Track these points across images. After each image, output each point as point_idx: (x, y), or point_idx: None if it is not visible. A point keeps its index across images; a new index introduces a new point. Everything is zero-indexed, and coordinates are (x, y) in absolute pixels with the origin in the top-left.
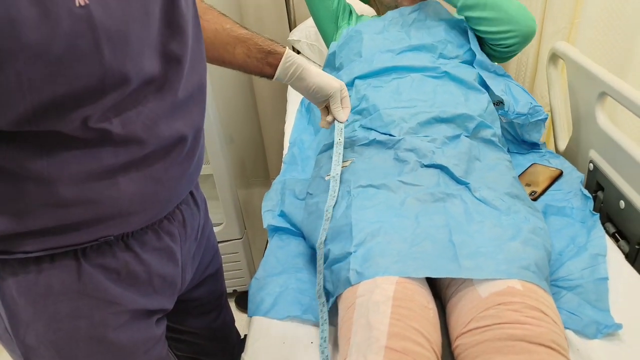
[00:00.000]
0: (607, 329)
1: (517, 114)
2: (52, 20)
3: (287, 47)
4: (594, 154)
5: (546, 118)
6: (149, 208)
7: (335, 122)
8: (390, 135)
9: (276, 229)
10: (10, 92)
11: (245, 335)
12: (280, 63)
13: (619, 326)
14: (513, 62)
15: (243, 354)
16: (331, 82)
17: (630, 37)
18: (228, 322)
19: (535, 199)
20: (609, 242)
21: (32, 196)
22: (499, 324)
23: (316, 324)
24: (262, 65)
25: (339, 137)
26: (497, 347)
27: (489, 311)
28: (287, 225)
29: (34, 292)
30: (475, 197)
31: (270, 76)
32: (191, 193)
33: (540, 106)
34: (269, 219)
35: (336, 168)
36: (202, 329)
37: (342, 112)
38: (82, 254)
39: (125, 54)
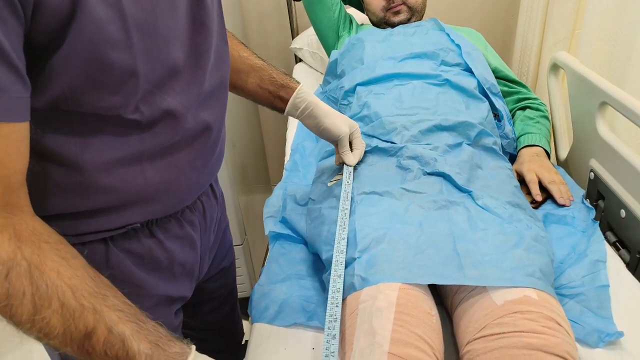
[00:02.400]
0: (609, 337)
1: (505, 134)
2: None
3: (301, 84)
4: (594, 163)
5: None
6: (172, 196)
7: (344, 164)
8: (392, 142)
9: (278, 236)
10: (53, 71)
11: (246, 342)
12: (291, 98)
13: (621, 334)
14: (514, 72)
15: None
16: (340, 127)
17: (629, 46)
18: (237, 319)
19: (536, 208)
20: (610, 251)
21: (63, 180)
22: (516, 332)
23: (317, 330)
24: (273, 98)
25: (347, 179)
26: (513, 354)
27: (505, 319)
28: (289, 232)
29: None
30: (479, 205)
31: (281, 110)
32: (211, 185)
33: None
34: (270, 225)
35: (344, 203)
36: (213, 323)
37: (351, 156)
38: (110, 240)
39: (154, 42)
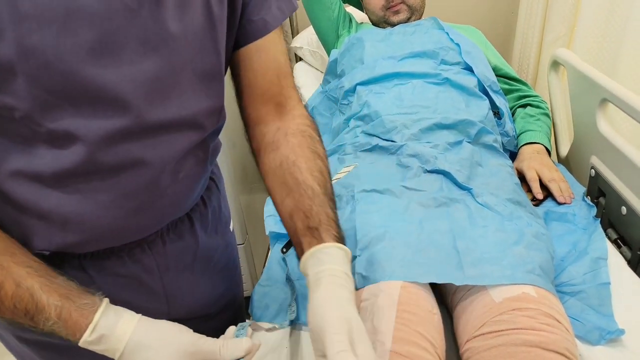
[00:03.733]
0: (610, 335)
1: (505, 131)
2: None
3: (335, 246)
4: (595, 160)
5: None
6: (93, 232)
7: None
8: (392, 141)
9: (278, 236)
10: None
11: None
12: (306, 254)
13: (622, 331)
14: (514, 69)
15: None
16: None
17: (628, 42)
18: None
19: (537, 205)
20: (612, 248)
21: None
22: (514, 329)
23: None
24: (296, 237)
25: None
26: (511, 352)
27: (503, 316)
28: None
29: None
30: (478, 202)
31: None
32: (192, 222)
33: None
34: (271, 224)
35: None
36: (214, 329)
37: None
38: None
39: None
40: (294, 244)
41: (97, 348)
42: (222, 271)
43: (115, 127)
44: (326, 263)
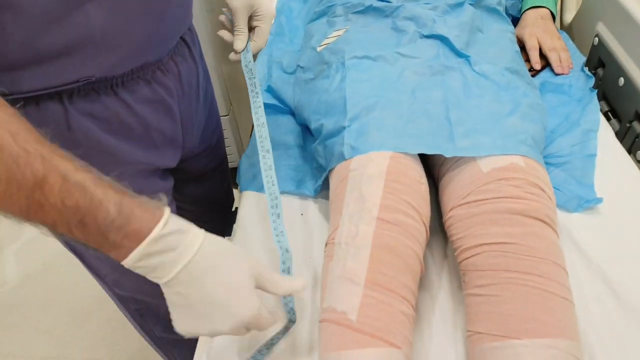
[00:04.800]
0: (587, 203)
1: None
2: None
3: None
4: (601, 27)
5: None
6: (127, 45)
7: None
8: (388, 1)
9: (264, 106)
10: None
11: (237, 208)
12: None
13: (600, 200)
14: None
15: (235, 225)
16: None
17: None
18: (227, 188)
19: (534, 75)
20: (602, 120)
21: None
22: (499, 197)
23: (305, 198)
24: None
25: (251, 80)
26: (494, 219)
27: (490, 185)
28: (275, 102)
29: None
30: (475, 71)
31: None
32: (188, 47)
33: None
34: None
35: (257, 119)
36: (202, 195)
37: (238, 40)
38: (67, 100)
39: None
40: None
41: (152, 262)
42: (212, 104)
43: None
44: None
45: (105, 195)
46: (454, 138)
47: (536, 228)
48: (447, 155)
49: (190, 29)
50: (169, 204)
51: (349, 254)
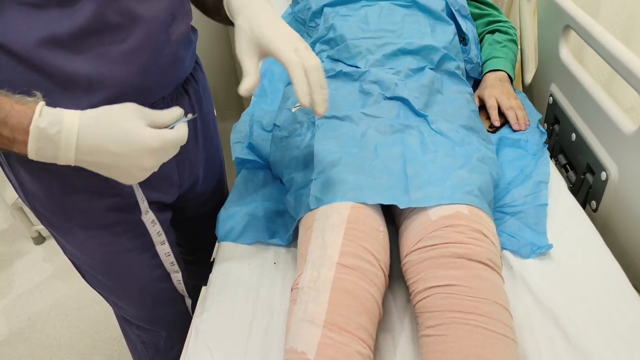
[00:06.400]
0: (540, 249)
1: (470, 58)
2: None
3: None
4: (554, 88)
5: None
6: (111, 90)
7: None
8: (357, 67)
9: (244, 161)
10: None
11: (214, 259)
12: None
13: (550, 246)
14: None
15: (210, 275)
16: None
17: None
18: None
19: (494, 132)
20: (557, 173)
21: None
22: (446, 243)
23: (278, 247)
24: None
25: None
26: (441, 263)
27: (437, 232)
28: (255, 158)
29: (30, 164)
30: (432, 128)
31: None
32: (189, 96)
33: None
34: (237, 151)
35: None
36: (203, 213)
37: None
38: None
39: None
40: (220, 15)
41: (49, 154)
42: (216, 150)
43: None
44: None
45: None
46: (409, 190)
47: (479, 270)
48: (401, 207)
49: (197, 81)
50: (166, 234)
51: (310, 297)
